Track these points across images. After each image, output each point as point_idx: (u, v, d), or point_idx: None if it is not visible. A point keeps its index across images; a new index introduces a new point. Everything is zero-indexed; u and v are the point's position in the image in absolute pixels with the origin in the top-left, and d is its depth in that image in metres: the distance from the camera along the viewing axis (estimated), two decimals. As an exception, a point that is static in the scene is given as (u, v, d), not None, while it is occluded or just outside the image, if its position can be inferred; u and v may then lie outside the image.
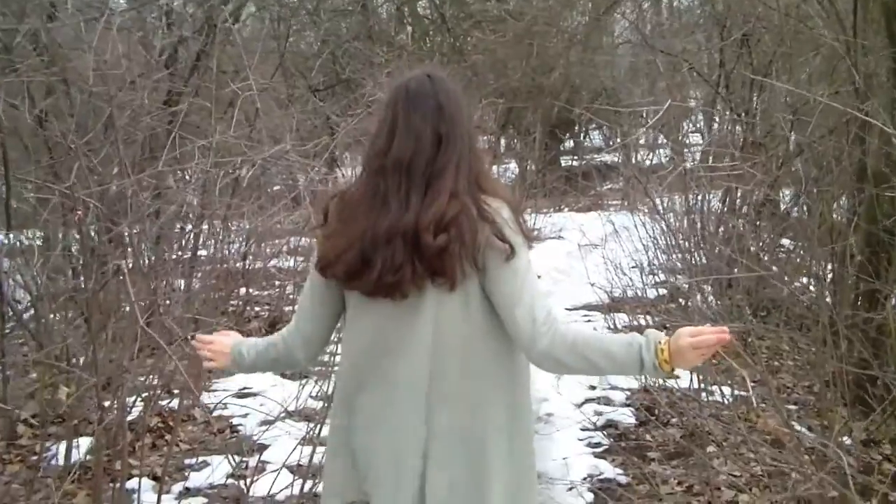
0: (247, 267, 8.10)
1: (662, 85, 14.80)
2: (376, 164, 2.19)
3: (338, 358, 2.91)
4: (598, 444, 5.17)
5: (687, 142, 12.58)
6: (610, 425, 5.48)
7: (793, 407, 5.22)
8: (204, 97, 7.67)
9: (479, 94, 13.68)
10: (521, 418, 2.28)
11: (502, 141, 18.09)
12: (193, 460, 4.93)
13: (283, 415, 5.22)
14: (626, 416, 5.59)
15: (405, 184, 2.14)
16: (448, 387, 2.18)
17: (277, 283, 8.27)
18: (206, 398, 5.74)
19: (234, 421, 5.53)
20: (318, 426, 4.16)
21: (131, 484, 4.24)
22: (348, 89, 12.34)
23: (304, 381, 5.23)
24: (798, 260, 8.10)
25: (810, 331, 6.54)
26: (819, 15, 6.93)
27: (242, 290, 7.98)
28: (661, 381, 5.22)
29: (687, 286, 6.49)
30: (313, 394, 5.42)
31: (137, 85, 6.05)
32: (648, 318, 6.60)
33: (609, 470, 4.79)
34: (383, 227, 2.11)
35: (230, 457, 4.34)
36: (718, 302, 6.37)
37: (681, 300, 7.16)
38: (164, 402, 5.28)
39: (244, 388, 6.11)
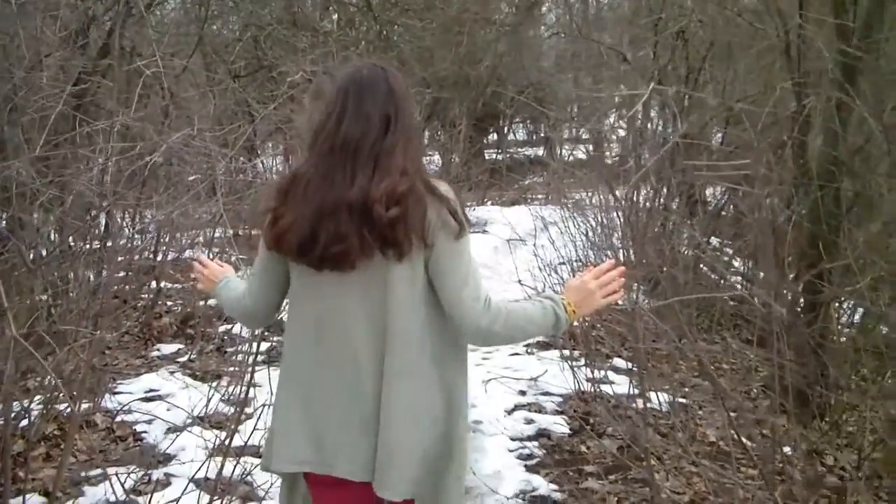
0: (158, 259, 7.63)
1: (589, 79, 14.68)
2: (326, 146, 2.25)
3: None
4: (529, 456, 4.83)
5: (614, 137, 12.47)
6: (542, 435, 5.15)
7: (732, 414, 5.00)
8: (115, 79, 7.22)
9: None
10: (458, 383, 2.36)
11: (426, 132, 17.79)
12: (91, 472, 4.48)
13: (190, 421, 4.86)
14: (560, 425, 5.27)
15: (351, 162, 2.20)
16: (400, 352, 2.23)
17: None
18: (109, 402, 5.31)
19: (138, 428, 5.08)
20: (230, 437, 3.82)
21: (17, 502, 3.83)
22: (270, 75, 11.90)
23: (214, 385, 4.88)
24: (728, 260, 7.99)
25: (741, 333, 6.41)
26: (757, 8, 6.76)
27: (153, 284, 7.53)
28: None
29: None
30: (224, 398, 5.06)
31: (43, 64, 5.63)
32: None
33: (543, 485, 4.45)
34: (328, 201, 2.19)
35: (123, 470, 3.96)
36: (650, 301, 6.16)
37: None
38: (62, 407, 4.83)
39: (150, 391, 5.67)
